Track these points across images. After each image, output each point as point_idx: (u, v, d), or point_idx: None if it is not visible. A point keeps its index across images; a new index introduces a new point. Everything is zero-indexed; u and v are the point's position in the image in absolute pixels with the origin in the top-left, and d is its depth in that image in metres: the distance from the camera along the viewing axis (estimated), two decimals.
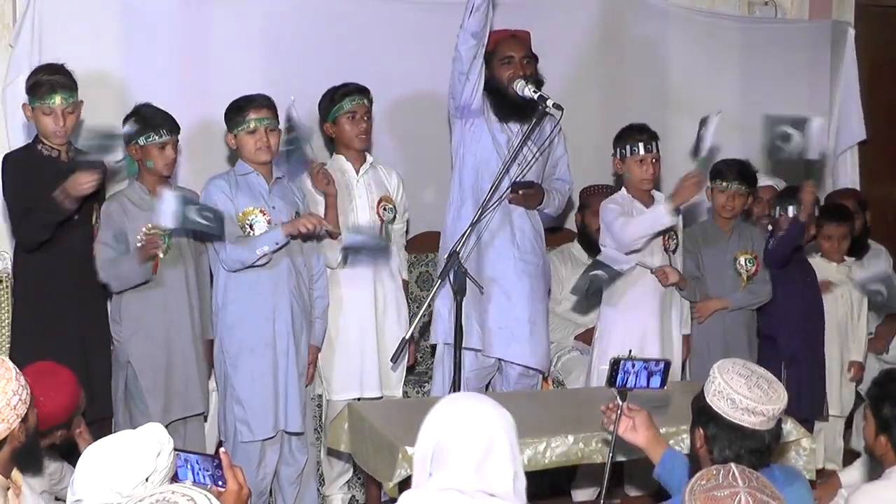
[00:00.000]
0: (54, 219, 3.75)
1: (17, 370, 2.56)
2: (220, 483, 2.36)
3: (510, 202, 4.31)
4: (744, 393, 2.53)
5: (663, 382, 3.03)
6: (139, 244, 3.81)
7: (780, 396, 2.55)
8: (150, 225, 3.85)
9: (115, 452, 2.25)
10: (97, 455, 2.26)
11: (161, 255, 3.89)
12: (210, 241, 3.99)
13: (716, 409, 2.55)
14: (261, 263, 3.95)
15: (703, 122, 4.09)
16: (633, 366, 2.97)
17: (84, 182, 3.70)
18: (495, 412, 2.24)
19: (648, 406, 3.73)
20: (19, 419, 2.54)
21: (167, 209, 3.67)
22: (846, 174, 6.03)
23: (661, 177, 4.53)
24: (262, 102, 4.01)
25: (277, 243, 3.93)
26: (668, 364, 3.04)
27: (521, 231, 4.36)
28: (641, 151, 4.26)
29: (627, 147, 4.29)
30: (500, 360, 4.37)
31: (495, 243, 4.31)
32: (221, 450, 2.36)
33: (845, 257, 5.00)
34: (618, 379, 2.97)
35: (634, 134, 4.30)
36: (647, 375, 2.99)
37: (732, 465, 2.11)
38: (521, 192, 4.30)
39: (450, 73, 4.23)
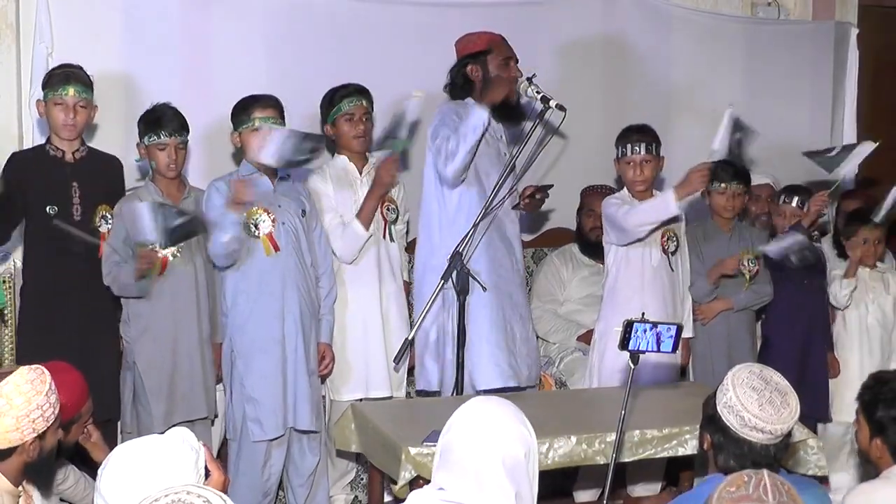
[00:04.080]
0: None
1: (54, 388, 2.52)
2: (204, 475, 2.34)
3: (524, 207, 4.33)
4: (754, 412, 2.49)
5: (675, 347, 3.01)
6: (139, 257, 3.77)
7: (791, 413, 2.51)
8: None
9: (157, 462, 2.12)
10: (134, 465, 2.12)
11: (158, 273, 3.85)
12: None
13: (725, 422, 2.53)
14: (234, 247, 3.87)
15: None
16: (646, 329, 2.96)
17: None
18: (515, 429, 2.22)
19: (653, 406, 3.72)
20: (35, 434, 2.50)
21: (144, 224, 3.64)
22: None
23: (661, 178, 4.53)
24: (269, 102, 4.00)
25: (234, 222, 3.85)
26: (679, 329, 3.02)
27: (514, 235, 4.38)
28: (629, 153, 4.24)
29: (620, 148, 4.28)
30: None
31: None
32: (201, 442, 2.34)
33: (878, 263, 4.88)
34: (630, 342, 2.96)
35: (628, 135, 4.28)
36: (658, 339, 2.97)
37: (765, 473, 2.01)
38: (538, 196, 4.32)
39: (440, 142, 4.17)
